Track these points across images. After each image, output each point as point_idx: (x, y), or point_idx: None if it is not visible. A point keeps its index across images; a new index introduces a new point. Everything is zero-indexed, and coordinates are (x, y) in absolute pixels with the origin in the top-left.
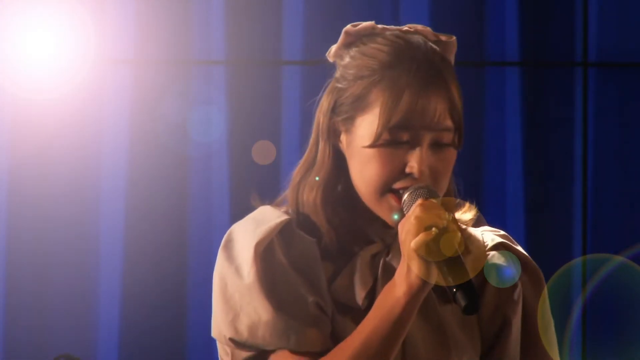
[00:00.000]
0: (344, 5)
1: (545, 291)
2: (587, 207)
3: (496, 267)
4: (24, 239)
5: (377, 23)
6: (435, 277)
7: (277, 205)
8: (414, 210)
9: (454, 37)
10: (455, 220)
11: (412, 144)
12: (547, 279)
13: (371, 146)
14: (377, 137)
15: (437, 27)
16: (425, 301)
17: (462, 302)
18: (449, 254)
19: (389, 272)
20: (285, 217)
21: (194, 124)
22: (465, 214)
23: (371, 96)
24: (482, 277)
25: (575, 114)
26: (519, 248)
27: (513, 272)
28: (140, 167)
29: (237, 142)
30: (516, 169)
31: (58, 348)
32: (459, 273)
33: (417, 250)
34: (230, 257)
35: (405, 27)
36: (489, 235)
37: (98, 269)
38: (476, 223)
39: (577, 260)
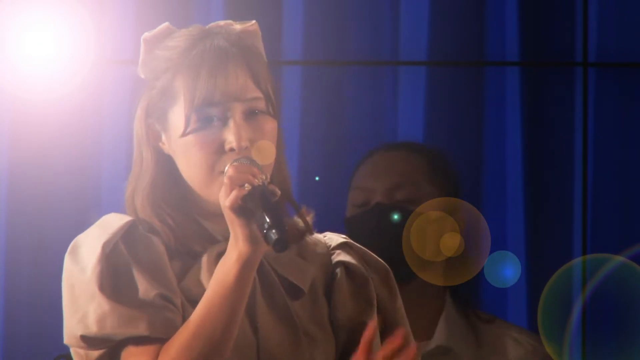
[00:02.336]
0: (344, 5)
1: (397, 289)
2: (587, 207)
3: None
4: (23, 238)
5: (377, 23)
6: (260, 238)
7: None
8: (226, 173)
9: (254, 21)
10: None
11: (224, 120)
12: (547, 279)
13: (184, 133)
14: (187, 120)
15: (437, 27)
16: (275, 297)
17: (273, 237)
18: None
19: None
20: (129, 218)
21: None
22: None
23: (175, 86)
24: (331, 279)
25: (575, 114)
26: (364, 249)
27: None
28: None
29: None
30: (516, 169)
31: (58, 348)
32: (272, 215)
33: (231, 207)
34: (75, 260)
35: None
36: (332, 236)
37: None
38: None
39: (577, 260)
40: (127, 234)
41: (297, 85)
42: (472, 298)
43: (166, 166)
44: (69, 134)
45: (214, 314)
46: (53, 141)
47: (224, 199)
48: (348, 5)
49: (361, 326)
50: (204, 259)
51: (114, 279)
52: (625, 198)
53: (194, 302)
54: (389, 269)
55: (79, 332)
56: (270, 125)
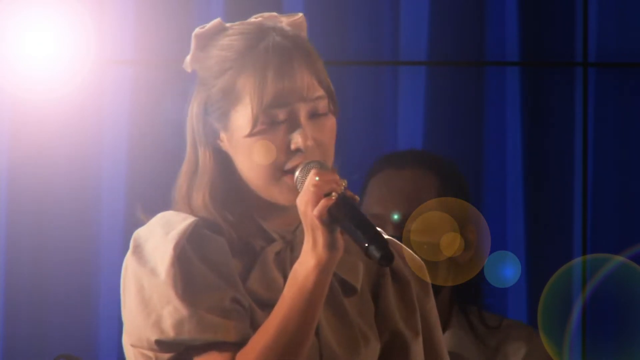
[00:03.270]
0: (344, 5)
1: (430, 287)
2: (587, 207)
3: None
4: (23, 239)
5: (377, 24)
6: (341, 245)
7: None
8: (310, 180)
9: (301, 14)
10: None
11: (291, 120)
12: (547, 279)
13: (251, 133)
14: (255, 121)
15: (437, 27)
16: (331, 293)
17: (377, 254)
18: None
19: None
20: (191, 218)
21: None
22: None
23: (238, 86)
24: (377, 278)
25: (575, 114)
26: (401, 244)
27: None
28: (140, 168)
29: None
30: (516, 169)
31: (58, 348)
32: (366, 227)
33: (320, 216)
34: (142, 260)
35: (252, 18)
36: None
37: (98, 269)
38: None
39: (577, 260)
40: (192, 235)
41: None
42: (479, 305)
43: (224, 164)
44: (69, 134)
45: (295, 320)
46: (53, 141)
47: (309, 207)
48: (348, 6)
49: (401, 335)
50: (264, 259)
51: (188, 282)
52: (625, 198)
53: (260, 304)
54: (423, 264)
55: (154, 337)
56: (330, 123)
